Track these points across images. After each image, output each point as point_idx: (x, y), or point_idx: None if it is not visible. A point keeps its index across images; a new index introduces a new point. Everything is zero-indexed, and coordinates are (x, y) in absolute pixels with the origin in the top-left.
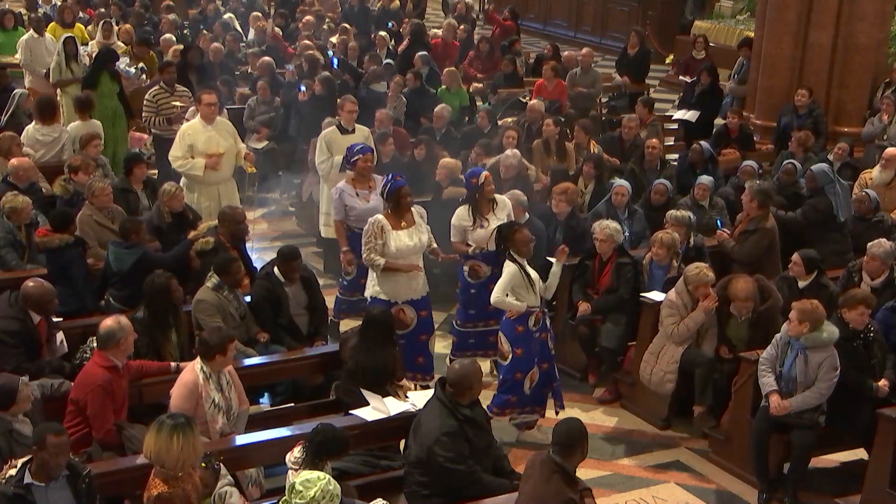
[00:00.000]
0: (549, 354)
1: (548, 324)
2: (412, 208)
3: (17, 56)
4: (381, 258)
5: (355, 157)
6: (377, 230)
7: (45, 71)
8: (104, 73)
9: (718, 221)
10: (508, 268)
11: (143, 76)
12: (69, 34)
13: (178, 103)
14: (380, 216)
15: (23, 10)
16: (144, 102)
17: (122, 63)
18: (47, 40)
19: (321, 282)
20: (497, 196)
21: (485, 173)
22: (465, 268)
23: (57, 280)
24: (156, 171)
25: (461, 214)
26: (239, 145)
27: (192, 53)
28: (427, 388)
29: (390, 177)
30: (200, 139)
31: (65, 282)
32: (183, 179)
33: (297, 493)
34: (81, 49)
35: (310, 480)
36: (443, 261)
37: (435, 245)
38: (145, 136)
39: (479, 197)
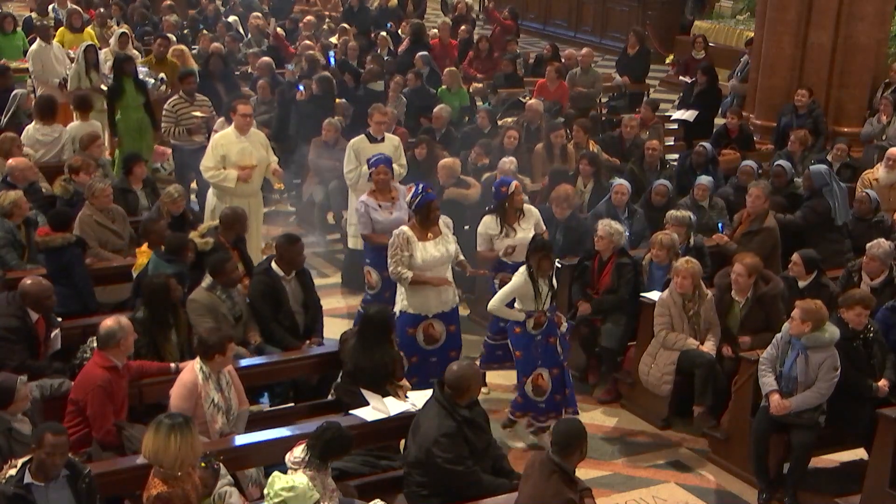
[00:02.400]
0: (557, 360)
1: (558, 330)
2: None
3: (28, 66)
4: (408, 271)
5: (370, 170)
6: (402, 242)
7: (57, 81)
8: (128, 84)
9: (720, 224)
10: (518, 276)
11: (164, 86)
12: (90, 42)
13: (198, 113)
14: (405, 227)
15: (33, 15)
16: (163, 113)
17: (141, 73)
18: (55, 48)
19: (340, 292)
20: (525, 206)
21: (514, 183)
22: (496, 280)
23: (57, 280)
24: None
25: (488, 223)
26: (271, 158)
27: (214, 61)
28: None
29: (420, 188)
30: (233, 150)
31: (65, 282)
32: (212, 189)
33: (269, 483)
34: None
35: (279, 478)
36: (470, 275)
37: (462, 258)
38: (168, 150)
39: (508, 206)
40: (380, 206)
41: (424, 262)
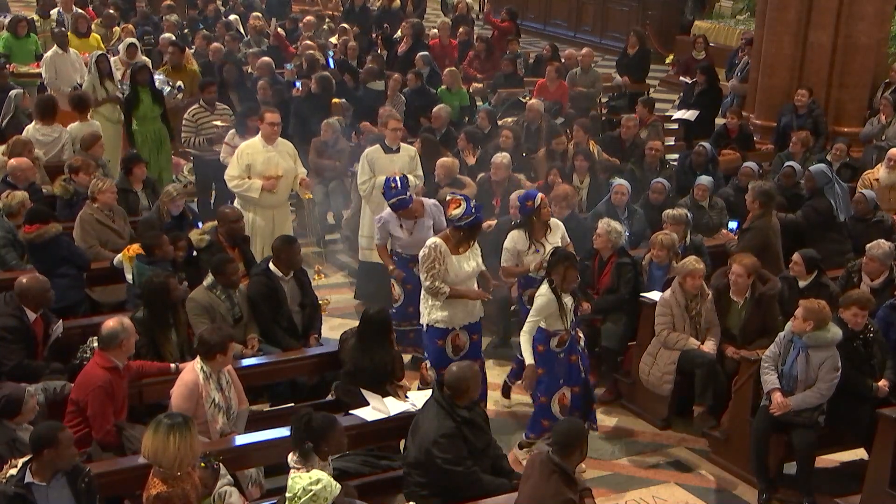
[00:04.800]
0: (579, 378)
1: (579, 347)
2: None
3: (42, 73)
4: (446, 286)
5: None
6: (439, 255)
7: (69, 89)
8: (145, 93)
9: (731, 224)
10: (544, 297)
11: (180, 95)
12: (101, 52)
13: (219, 122)
14: (438, 240)
15: (35, 17)
16: (184, 122)
17: (158, 81)
18: (72, 56)
19: (338, 293)
20: (552, 220)
21: (540, 195)
22: (525, 297)
23: (53, 274)
24: (194, 200)
25: (516, 238)
26: (299, 168)
27: (228, 70)
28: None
29: (472, 209)
30: (259, 159)
31: (61, 272)
32: (237, 199)
33: (289, 487)
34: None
35: (301, 477)
36: (495, 288)
37: (483, 268)
38: (182, 161)
39: (535, 220)
40: (401, 225)
41: (457, 276)
